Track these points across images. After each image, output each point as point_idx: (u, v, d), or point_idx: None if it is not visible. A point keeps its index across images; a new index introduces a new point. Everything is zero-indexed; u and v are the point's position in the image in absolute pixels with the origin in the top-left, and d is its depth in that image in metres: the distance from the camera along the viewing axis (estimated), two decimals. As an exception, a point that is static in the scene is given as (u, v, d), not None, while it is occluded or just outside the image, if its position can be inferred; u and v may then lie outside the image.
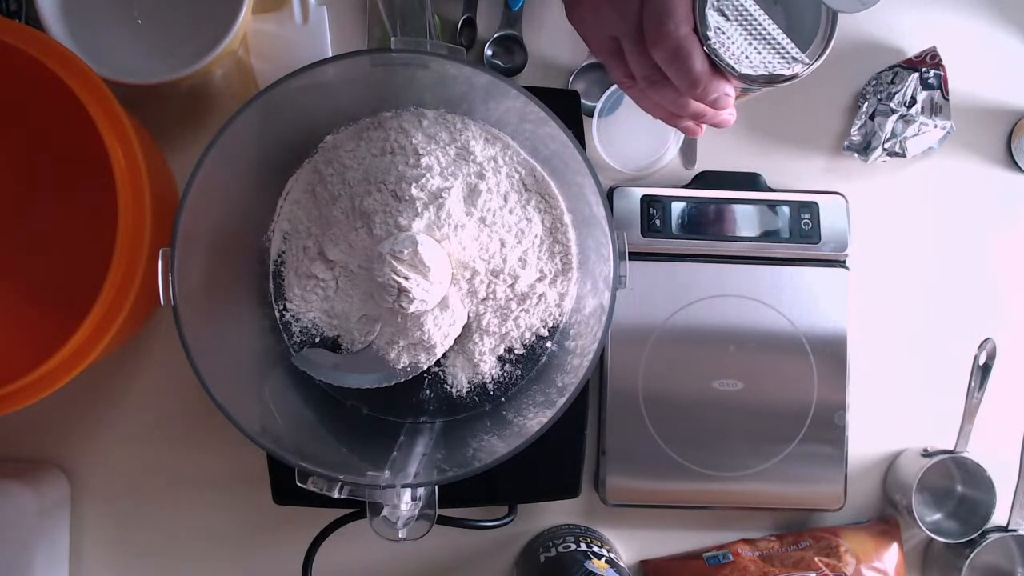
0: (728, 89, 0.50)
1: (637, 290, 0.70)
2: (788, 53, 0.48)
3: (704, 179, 0.73)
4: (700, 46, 0.48)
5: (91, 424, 0.71)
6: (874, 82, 0.74)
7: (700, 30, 0.48)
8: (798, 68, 0.49)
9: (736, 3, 0.47)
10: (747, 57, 0.48)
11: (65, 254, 0.68)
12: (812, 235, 0.72)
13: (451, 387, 0.64)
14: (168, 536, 0.72)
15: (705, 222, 0.72)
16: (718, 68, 0.49)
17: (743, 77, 0.49)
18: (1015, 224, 0.77)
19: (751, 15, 0.47)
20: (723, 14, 0.47)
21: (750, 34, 0.48)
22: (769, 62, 0.49)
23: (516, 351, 0.64)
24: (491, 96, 0.59)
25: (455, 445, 0.60)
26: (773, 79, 0.49)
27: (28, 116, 0.64)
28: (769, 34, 0.48)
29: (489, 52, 0.73)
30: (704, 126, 0.56)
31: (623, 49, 0.52)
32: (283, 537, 0.71)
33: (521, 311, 0.62)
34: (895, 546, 0.72)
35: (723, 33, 0.47)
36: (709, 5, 0.47)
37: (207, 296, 0.57)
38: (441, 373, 0.64)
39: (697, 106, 0.52)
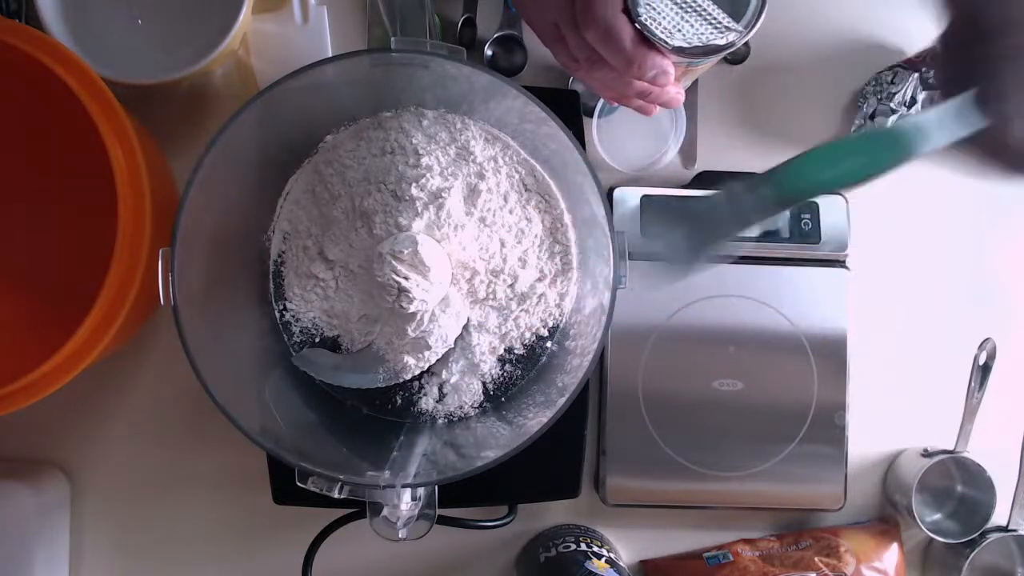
0: (665, 65, 0.50)
1: (637, 290, 0.70)
2: (720, 23, 0.49)
3: (704, 179, 0.73)
4: (630, 24, 0.49)
5: (91, 424, 0.71)
6: (874, 82, 0.74)
7: (631, 8, 0.48)
8: (732, 36, 0.50)
9: None
10: (679, 30, 0.49)
11: (65, 254, 0.68)
12: (812, 235, 0.72)
13: (451, 387, 0.64)
14: (168, 536, 0.72)
15: (705, 222, 0.72)
16: (653, 45, 0.49)
17: (678, 50, 0.50)
18: (1015, 224, 0.77)
19: None
20: None
21: (681, 8, 0.49)
22: (702, 33, 0.49)
23: (516, 351, 0.64)
24: (491, 96, 0.59)
25: (455, 445, 0.60)
26: (709, 50, 0.50)
27: (28, 116, 0.64)
28: (700, 6, 0.49)
29: (489, 52, 0.73)
30: (657, 106, 0.57)
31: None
32: (283, 537, 0.71)
33: (521, 311, 0.62)
34: (895, 546, 0.72)
35: (653, 9, 0.48)
36: None
37: (207, 296, 0.57)
38: (441, 373, 0.64)
39: (640, 85, 0.53)
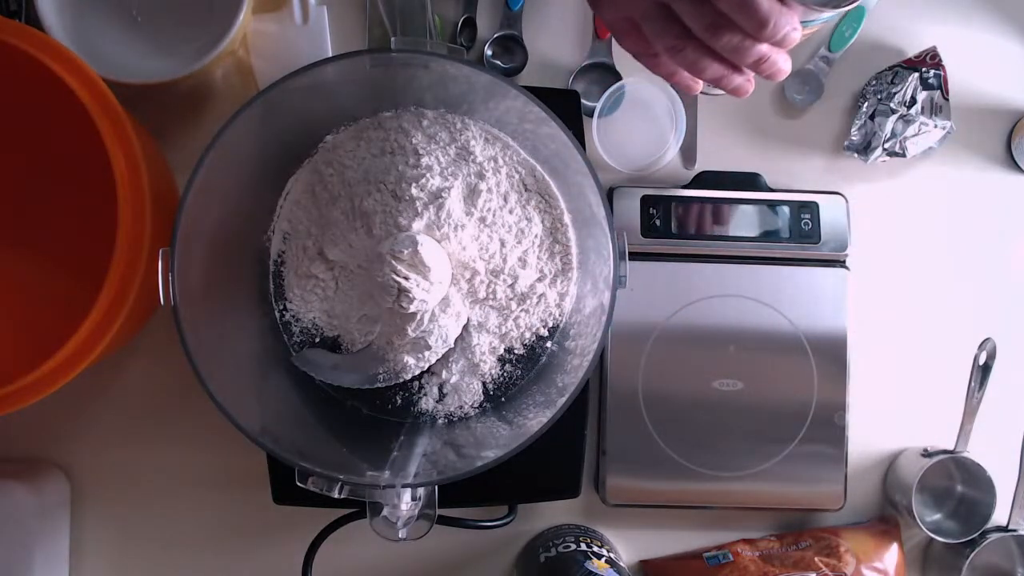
0: (796, 23, 0.50)
1: (637, 290, 0.70)
2: None
3: (704, 179, 0.73)
4: None
5: (91, 424, 0.71)
6: (874, 82, 0.74)
7: None
8: None
9: None
10: None
11: (65, 254, 0.68)
12: (812, 235, 0.72)
13: (451, 387, 0.64)
14: (168, 536, 0.72)
15: (705, 222, 0.72)
16: (784, 2, 0.49)
17: (819, 4, 0.49)
18: (1015, 224, 0.77)
19: None
20: None
21: None
22: None
23: (516, 351, 0.64)
24: (491, 96, 0.59)
25: (455, 445, 0.60)
26: (842, 1, 0.49)
27: (28, 116, 0.64)
28: None
29: (489, 52, 0.73)
30: (701, 83, 0.56)
31: (668, 14, 0.52)
32: (283, 537, 0.71)
33: (521, 311, 0.62)
34: (895, 546, 0.72)
35: None
36: None
37: (207, 296, 0.57)
38: (441, 373, 0.64)
39: (760, 50, 0.51)
